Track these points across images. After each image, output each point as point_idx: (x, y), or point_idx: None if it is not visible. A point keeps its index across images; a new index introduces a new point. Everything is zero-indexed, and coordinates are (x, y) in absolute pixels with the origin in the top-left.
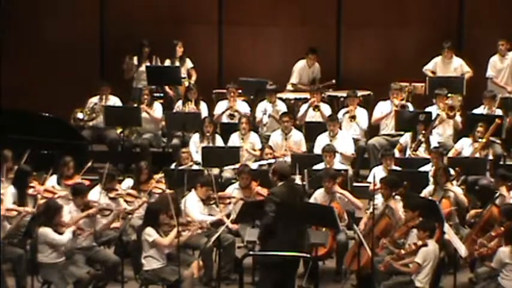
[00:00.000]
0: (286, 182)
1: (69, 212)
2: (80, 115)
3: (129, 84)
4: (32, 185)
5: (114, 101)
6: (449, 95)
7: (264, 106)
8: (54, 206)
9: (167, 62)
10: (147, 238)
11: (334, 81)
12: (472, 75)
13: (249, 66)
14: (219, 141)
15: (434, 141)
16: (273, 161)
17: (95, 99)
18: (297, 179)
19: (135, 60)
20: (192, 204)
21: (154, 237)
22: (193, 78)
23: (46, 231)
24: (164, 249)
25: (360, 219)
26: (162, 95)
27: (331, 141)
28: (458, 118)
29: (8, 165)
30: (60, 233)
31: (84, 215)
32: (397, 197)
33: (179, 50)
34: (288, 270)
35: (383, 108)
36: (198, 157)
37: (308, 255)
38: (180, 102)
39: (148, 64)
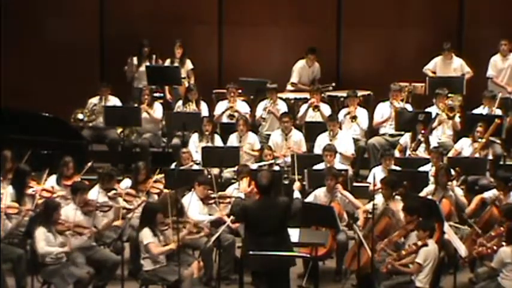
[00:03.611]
0: (261, 198)
1: (67, 212)
2: (80, 116)
3: (130, 85)
4: (30, 185)
5: (114, 101)
6: (449, 95)
7: (264, 104)
8: (52, 204)
9: (167, 62)
10: (143, 240)
11: (334, 84)
12: (472, 75)
13: (249, 66)
14: (218, 141)
15: (434, 141)
16: (272, 161)
17: (94, 100)
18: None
19: (135, 60)
20: (191, 204)
21: (148, 240)
22: (191, 80)
23: (39, 234)
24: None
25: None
26: (162, 95)
27: (331, 141)
28: (457, 119)
29: (7, 165)
30: (59, 232)
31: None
32: (397, 197)
33: (178, 51)
34: (274, 275)
35: (383, 110)
36: (197, 157)
37: (308, 255)
38: (180, 102)
39: (148, 64)
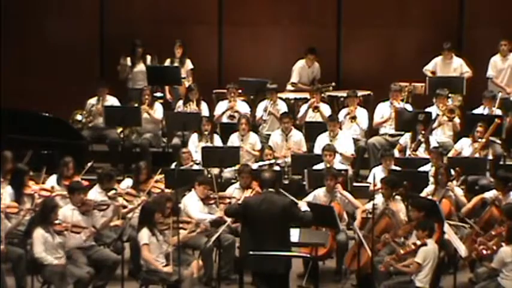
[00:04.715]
0: (263, 193)
1: (64, 212)
2: (79, 117)
3: (126, 85)
4: (29, 184)
5: (112, 101)
6: (449, 95)
7: (264, 104)
8: (50, 204)
9: (167, 62)
10: (139, 241)
11: (333, 83)
12: (471, 75)
13: (249, 66)
14: (217, 140)
15: (434, 141)
16: (273, 161)
17: (93, 101)
18: None
19: (129, 61)
20: (191, 203)
21: (143, 242)
22: (190, 81)
23: (37, 236)
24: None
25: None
26: (162, 95)
27: (331, 141)
28: (456, 120)
29: (7, 166)
30: (57, 232)
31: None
32: (397, 197)
33: (178, 51)
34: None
35: (383, 110)
36: (197, 156)
37: (308, 255)
38: (180, 102)
39: (142, 64)
